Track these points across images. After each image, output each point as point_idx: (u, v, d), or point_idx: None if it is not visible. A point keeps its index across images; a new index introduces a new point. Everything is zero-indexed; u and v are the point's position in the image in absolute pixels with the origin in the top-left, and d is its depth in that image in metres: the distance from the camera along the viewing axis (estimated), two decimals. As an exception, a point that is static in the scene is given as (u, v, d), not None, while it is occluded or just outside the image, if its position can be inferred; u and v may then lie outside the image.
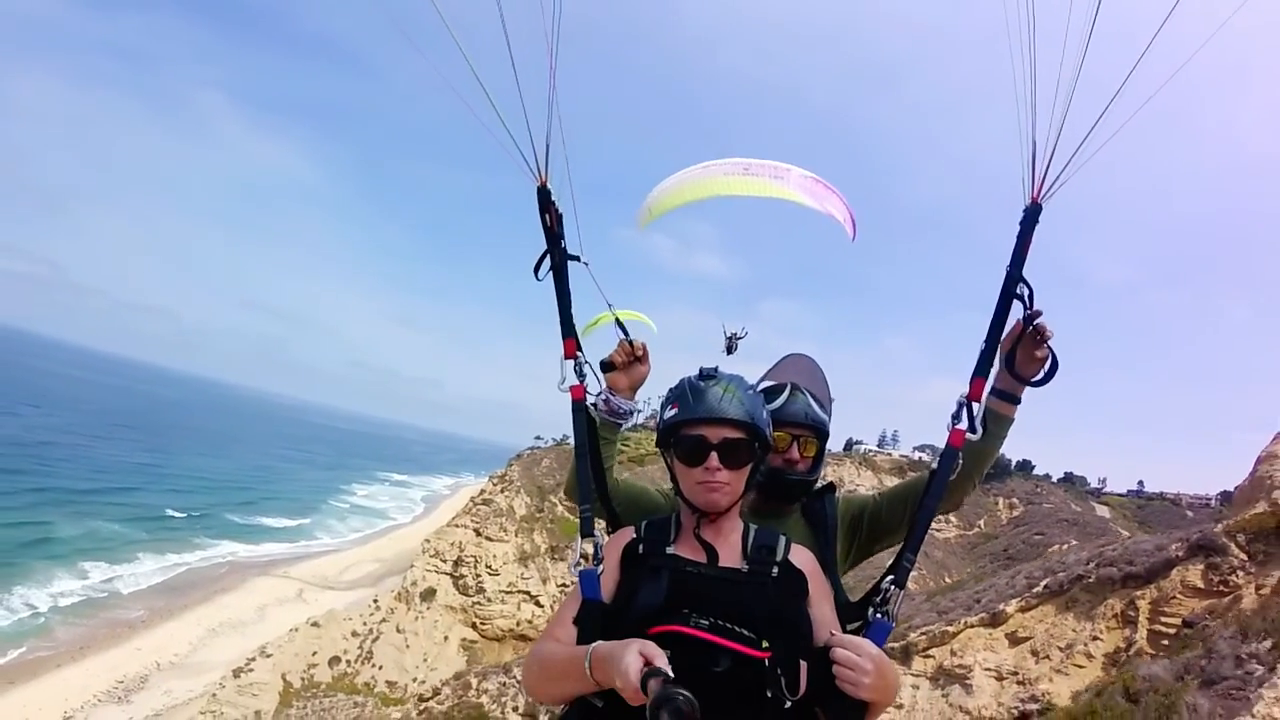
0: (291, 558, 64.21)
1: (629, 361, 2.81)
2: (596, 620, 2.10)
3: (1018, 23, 2.10)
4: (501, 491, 51.72)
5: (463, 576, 43.87)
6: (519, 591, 42.44)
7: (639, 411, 2.92)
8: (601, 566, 2.23)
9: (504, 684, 28.03)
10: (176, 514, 68.16)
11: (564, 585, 43.44)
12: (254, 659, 32.67)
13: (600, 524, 2.57)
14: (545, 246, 2.61)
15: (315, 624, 35.22)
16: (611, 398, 2.78)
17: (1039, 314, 2.34)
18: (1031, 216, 2.28)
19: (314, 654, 30.72)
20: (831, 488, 2.93)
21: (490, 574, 43.82)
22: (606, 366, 2.83)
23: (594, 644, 1.92)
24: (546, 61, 2.37)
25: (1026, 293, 2.30)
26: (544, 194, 2.56)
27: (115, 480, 74.86)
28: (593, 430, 2.61)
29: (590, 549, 2.27)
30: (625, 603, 2.11)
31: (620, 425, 2.80)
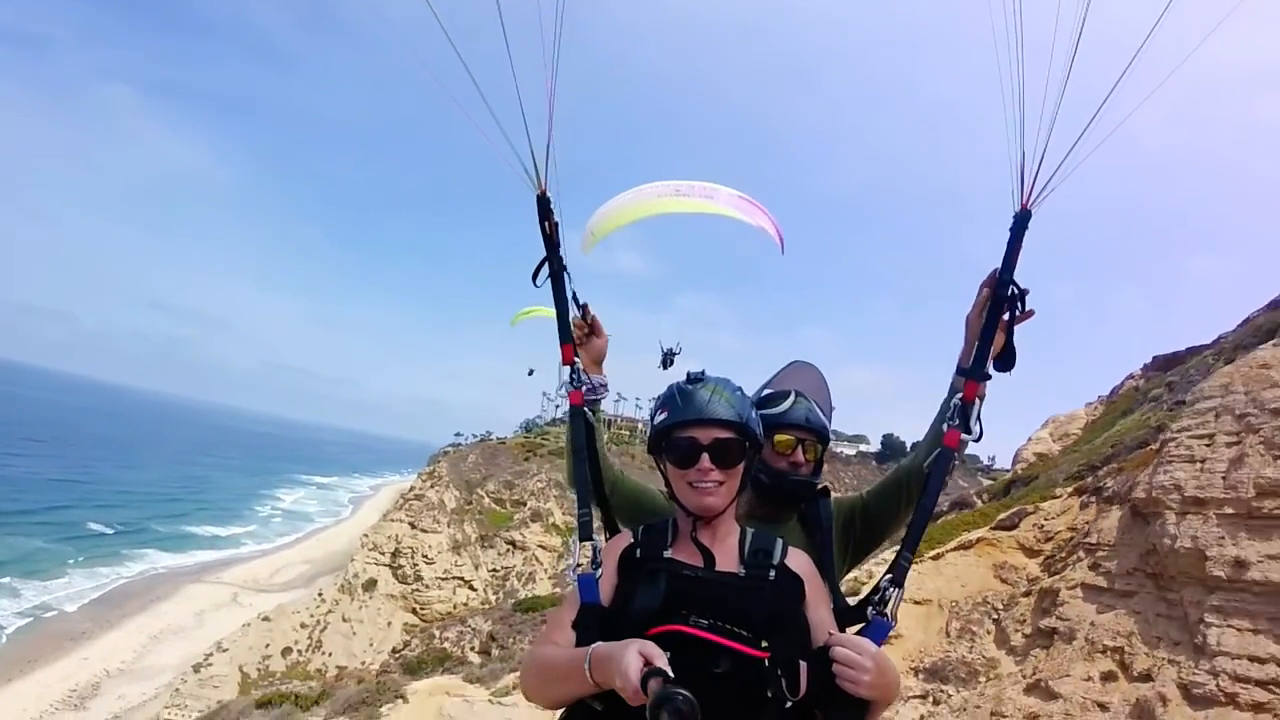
0: (222, 564, 64.46)
1: (584, 336, 2.78)
2: (595, 623, 2.06)
3: (1006, 38, 2.11)
4: (432, 487, 54.32)
5: (401, 566, 46.48)
6: (454, 578, 45.35)
7: (606, 386, 2.83)
8: (600, 571, 2.20)
9: (461, 632, 31.49)
10: (101, 528, 67.23)
11: (494, 570, 46.65)
12: (211, 654, 34.67)
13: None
14: (544, 253, 2.61)
15: (266, 618, 37.43)
16: (576, 377, 2.71)
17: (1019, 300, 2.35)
18: (1021, 222, 2.28)
19: (267, 646, 32.92)
20: (826, 491, 2.90)
21: (426, 563, 46.60)
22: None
23: (594, 645, 1.89)
24: (539, 68, 2.33)
25: (1018, 295, 2.31)
26: (543, 201, 2.56)
27: (33, 497, 72.68)
28: (590, 434, 2.59)
29: (589, 553, 2.25)
30: (623, 605, 2.08)
31: (598, 401, 2.76)
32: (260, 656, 32.96)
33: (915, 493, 2.56)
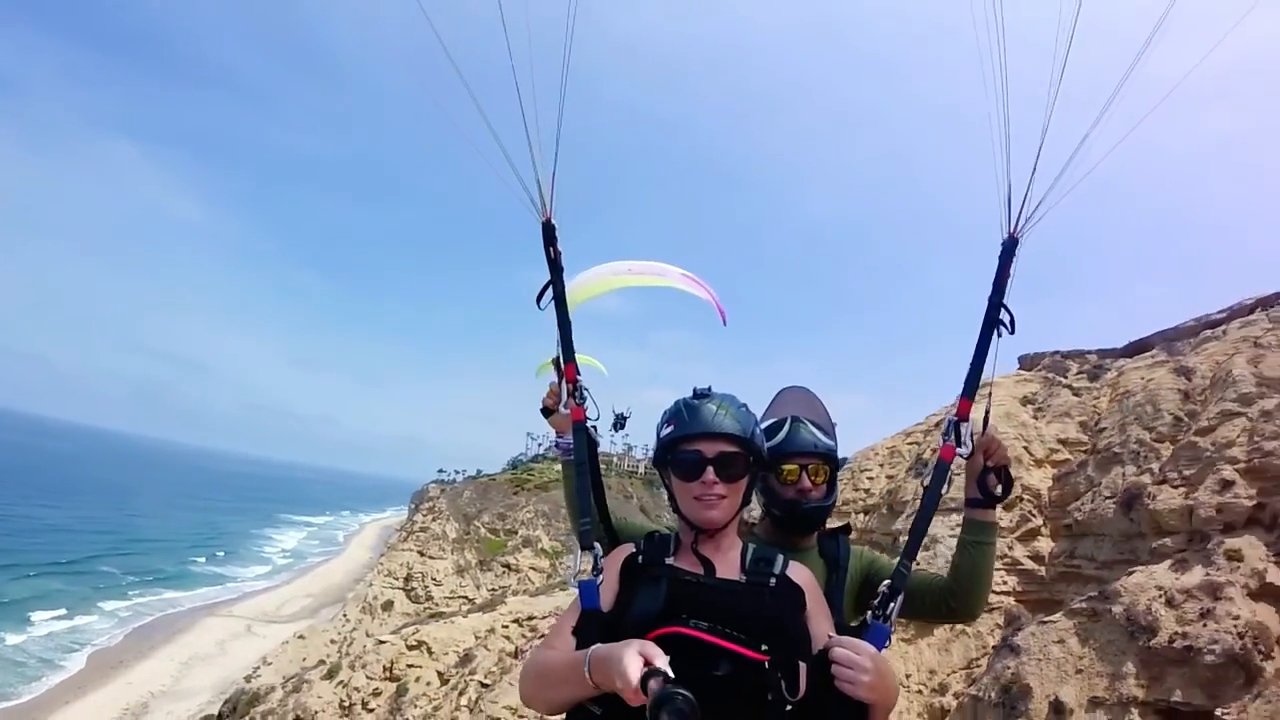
0: (230, 599, 68.00)
1: (558, 404, 2.82)
2: (596, 628, 2.05)
3: (994, 73, 2.15)
4: (434, 520, 60.35)
5: (413, 589, 51.87)
6: (459, 597, 50.48)
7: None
8: (601, 578, 2.19)
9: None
10: (110, 570, 70.41)
11: (494, 590, 52.01)
12: (258, 667, 39.46)
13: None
14: (548, 278, 2.62)
15: (301, 636, 42.44)
16: (561, 440, 2.86)
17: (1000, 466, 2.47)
18: (1009, 249, 2.35)
19: (304, 660, 37.74)
20: (846, 529, 2.91)
21: (435, 585, 52.25)
22: (546, 413, 2.93)
23: (593, 646, 1.87)
24: (536, 97, 2.34)
25: (1008, 318, 2.35)
26: (549, 229, 2.59)
27: (39, 541, 75.91)
28: (593, 449, 2.62)
29: (590, 561, 2.23)
30: (624, 610, 2.09)
31: (571, 463, 2.74)
32: (299, 668, 37.78)
33: (939, 610, 2.64)
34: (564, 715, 2.03)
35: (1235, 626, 5.29)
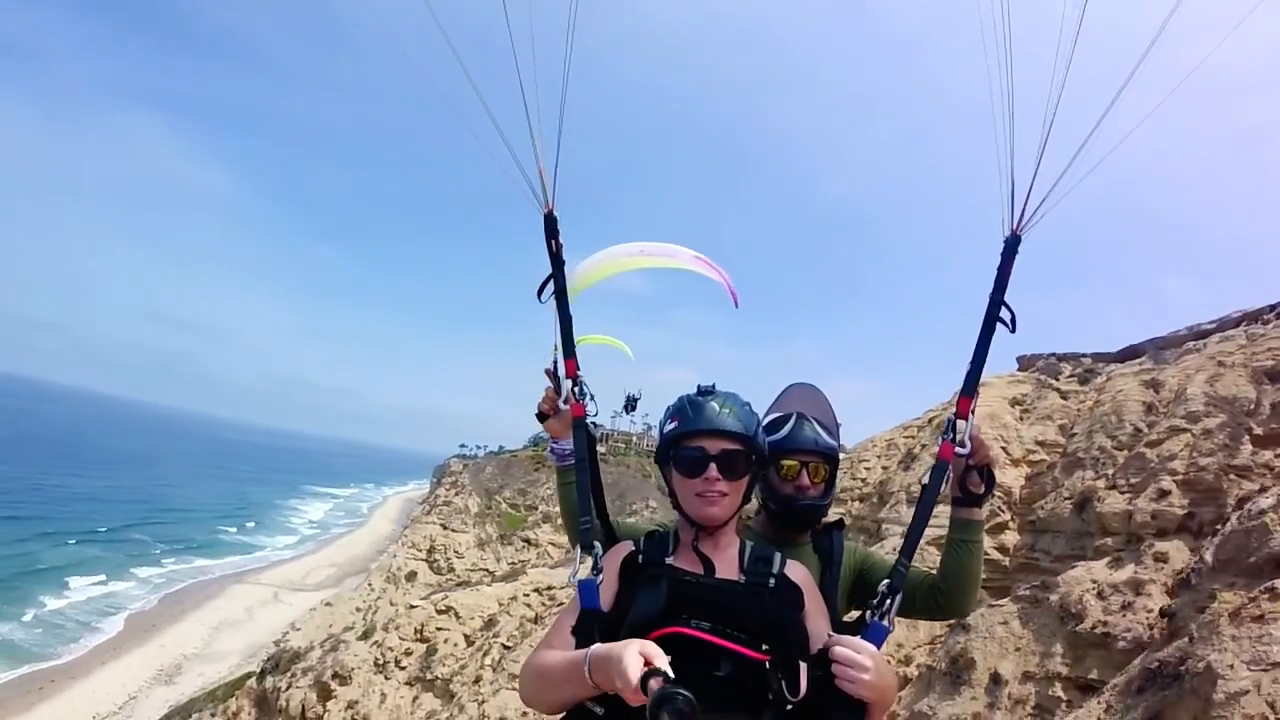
0: (258, 567, 70.86)
1: (557, 408, 2.80)
2: (596, 628, 2.06)
3: (997, 71, 2.14)
4: (456, 495, 62.45)
5: (436, 560, 53.96)
6: (479, 569, 52.28)
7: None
8: (601, 577, 2.19)
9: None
10: (143, 538, 72.92)
11: (514, 564, 53.86)
12: (288, 632, 41.46)
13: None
14: (550, 271, 2.61)
15: (328, 603, 44.46)
16: (556, 445, 2.83)
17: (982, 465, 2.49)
18: (1011, 247, 2.35)
19: (330, 625, 39.45)
20: (840, 524, 2.93)
21: (457, 557, 54.27)
22: (542, 417, 2.85)
23: (593, 646, 1.87)
24: (539, 87, 2.30)
25: (1009, 317, 2.34)
26: (550, 221, 2.57)
27: (72, 510, 78.46)
28: (592, 446, 2.60)
29: (589, 560, 2.23)
30: (624, 610, 2.09)
31: (571, 467, 2.69)
32: (326, 634, 39.52)
33: (930, 607, 2.68)
34: (564, 715, 2.04)
35: (1148, 619, 6.30)
